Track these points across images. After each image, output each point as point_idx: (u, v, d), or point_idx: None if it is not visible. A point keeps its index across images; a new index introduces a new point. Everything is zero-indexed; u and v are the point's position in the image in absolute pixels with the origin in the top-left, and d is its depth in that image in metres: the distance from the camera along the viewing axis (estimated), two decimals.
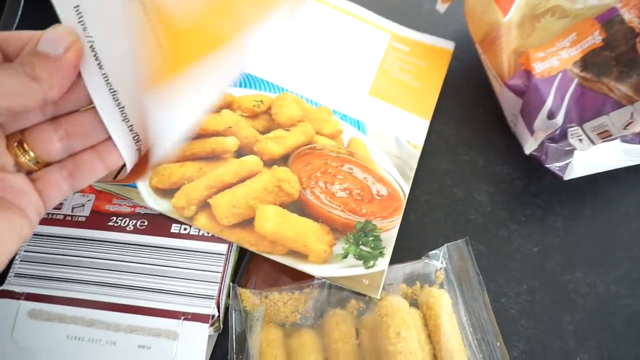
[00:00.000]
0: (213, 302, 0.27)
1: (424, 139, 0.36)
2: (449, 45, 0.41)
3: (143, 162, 0.25)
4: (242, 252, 0.32)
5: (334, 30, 0.40)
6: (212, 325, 0.27)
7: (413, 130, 0.37)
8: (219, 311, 0.28)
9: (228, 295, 0.30)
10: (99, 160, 0.23)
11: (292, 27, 0.40)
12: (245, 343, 0.29)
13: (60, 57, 0.20)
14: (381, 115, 0.37)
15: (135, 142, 0.24)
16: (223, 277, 0.29)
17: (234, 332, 0.29)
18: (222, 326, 0.29)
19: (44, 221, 0.30)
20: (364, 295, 0.30)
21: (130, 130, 0.23)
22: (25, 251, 0.29)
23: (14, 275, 0.29)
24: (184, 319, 0.27)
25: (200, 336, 0.26)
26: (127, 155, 0.23)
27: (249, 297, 0.30)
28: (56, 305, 0.27)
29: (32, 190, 0.22)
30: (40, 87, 0.20)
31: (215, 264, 0.29)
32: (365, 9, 0.42)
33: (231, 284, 0.30)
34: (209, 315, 0.27)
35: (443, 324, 0.29)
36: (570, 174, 0.31)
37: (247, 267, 0.32)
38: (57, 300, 0.28)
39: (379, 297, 0.30)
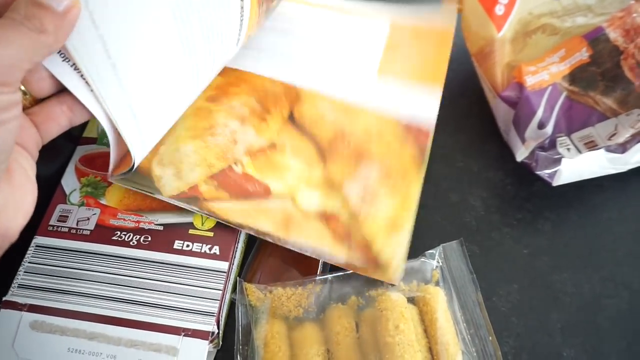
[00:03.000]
0: (213, 320, 0.28)
1: (436, 111, 0.36)
2: (450, 23, 0.41)
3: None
4: (248, 249, 0.34)
5: (333, 27, 0.41)
6: (211, 342, 0.28)
7: (425, 107, 0.36)
8: (218, 328, 0.29)
9: (234, 291, 0.31)
10: None
11: (293, 29, 0.40)
12: (250, 335, 0.30)
13: (64, 13, 0.20)
14: (392, 97, 0.37)
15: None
16: (223, 295, 0.29)
17: (239, 324, 0.30)
18: (221, 342, 0.30)
19: (50, 233, 0.31)
20: (364, 292, 0.32)
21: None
22: (29, 262, 0.30)
23: (17, 286, 0.29)
24: (184, 335, 0.28)
25: (200, 352, 0.27)
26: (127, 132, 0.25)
27: (254, 291, 0.31)
28: (58, 317, 0.28)
29: (30, 124, 0.23)
30: (48, 41, 0.20)
31: (216, 282, 0.29)
32: (358, 1, 0.42)
33: (237, 278, 0.31)
34: (208, 332, 0.28)
35: (439, 319, 0.30)
36: (558, 181, 0.33)
37: (253, 262, 0.33)
38: (60, 312, 0.28)
39: (397, 284, 0.31)
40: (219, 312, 0.29)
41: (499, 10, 0.38)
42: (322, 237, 0.31)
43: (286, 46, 0.39)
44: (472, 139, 0.40)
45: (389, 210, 0.32)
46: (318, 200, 0.32)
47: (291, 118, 0.35)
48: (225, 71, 0.36)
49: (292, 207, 0.32)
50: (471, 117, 0.41)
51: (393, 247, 0.31)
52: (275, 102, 0.35)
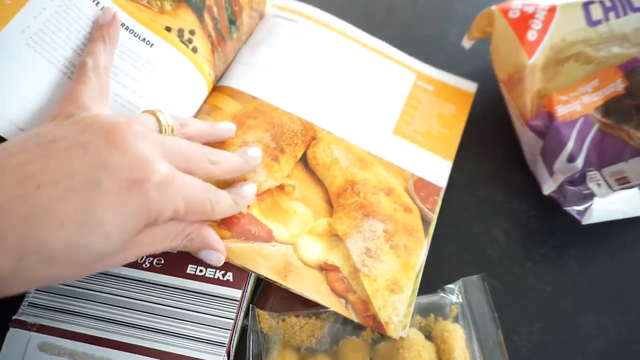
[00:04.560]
0: (224, 350, 0.27)
1: (446, 179, 0.36)
2: (471, 88, 0.42)
3: None
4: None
5: (360, 66, 0.40)
6: None
7: (436, 170, 0.36)
8: (228, 359, 0.28)
9: (246, 316, 0.30)
10: None
11: (318, 61, 0.39)
12: None
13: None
14: (405, 154, 0.37)
15: None
16: (235, 324, 0.28)
17: (250, 353, 0.29)
18: None
19: None
20: None
21: None
22: None
23: (28, 305, 0.28)
24: None
25: None
26: None
27: (266, 319, 0.30)
28: (67, 340, 0.27)
29: None
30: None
31: (229, 310, 0.29)
32: (391, 46, 0.42)
33: (250, 305, 0.31)
34: None
35: (456, 358, 0.29)
36: (588, 220, 0.32)
37: (265, 289, 0.32)
38: (69, 334, 0.27)
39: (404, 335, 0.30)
40: (230, 342, 0.28)
41: (532, 35, 0.37)
42: (320, 288, 0.30)
43: (313, 79, 0.38)
44: (497, 167, 0.39)
45: (390, 270, 0.31)
46: (320, 251, 0.31)
47: (303, 159, 0.34)
48: (245, 98, 0.36)
49: (292, 254, 0.31)
50: (496, 143, 0.39)
51: (392, 307, 0.30)
52: (290, 141, 0.34)
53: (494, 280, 0.34)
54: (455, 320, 0.31)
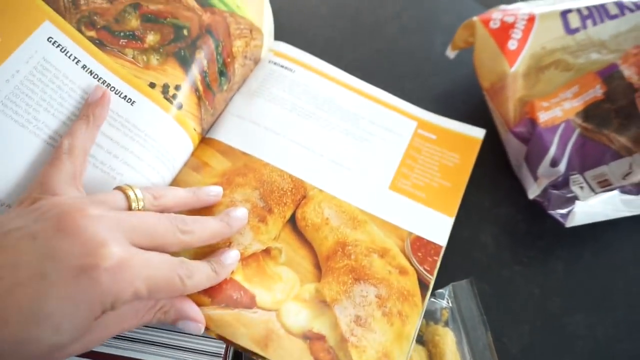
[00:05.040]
0: None
1: (447, 237, 0.34)
2: (479, 134, 0.39)
3: None
4: None
5: (357, 116, 0.38)
6: None
7: (436, 228, 0.34)
8: None
9: None
10: None
11: (313, 113, 0.38)
12: None
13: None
14: (402, 211, 0.34)
15: None
16: None
17: None
18: None
19: None
20: None
21: None
22: None
23: None
24: None
25: None
26: None
27: None
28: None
29: None
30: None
31: None
32: (391, 95, 0.40)
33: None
34: None
35: None
36: (571, 222, 0.33)
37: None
38: None
39: None
40: (226, 354, 0.28)
41: (512, 45, 0.38)
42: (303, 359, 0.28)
43: (307, 133, 0.37)
44: (484, 173, 0.39)
45: (382, 341, 0.29)
46: (305, 318, 0.29)
47: (292, 220, 0.33)
48: (235, 154, 0.35)
49: (275, 321, 0.28)
50: (483, 150, 0.40)
51: None
52: (279, 200, 0.33)
53: (483, 283, 0.35)
54: (446, 324, 0.32)
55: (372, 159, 0.37)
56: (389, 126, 0.39)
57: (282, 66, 0.40)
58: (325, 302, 0.30)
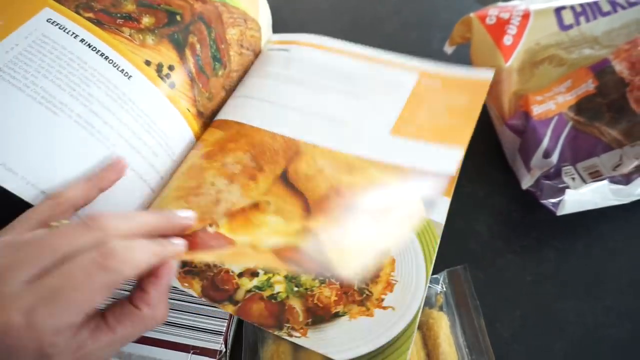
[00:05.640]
0: (221, 338, 0.29)
1: (445, 216, 0.34)
2: (487, 75, 0.38)
3: None
4: None
5: (352, 77, 0.39)
6: None
7: (442, 160, 0.33)
8: (226, 347, 0.30)
9: None
10: None
11: (308, 80, 0.38)
12: (257, 355, 0.31)
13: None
14: (406, 152, 0.34)
15: None
16: (232, 315, 0.30)
17: (247, 342, 0.31)
18: None
19: None
20: None
21: None
22: None
23: None
24: (193, 353, 0.29)
25: None
26: None
27: None
28: None
29: None
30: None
31: None
32: (389, 52, 0.40)
33: None
34: (217, 350, 0.29)
35: (441, 343, 0.31)
36: (562, 210, 0.34)
37: None
38: None
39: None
40: (227, 331, 0.30)
41: (507, 40, 0.39)
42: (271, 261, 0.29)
43: (301, 98, 0.37)
44: (479, 165, 0.41)
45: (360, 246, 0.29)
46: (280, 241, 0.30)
47: (283, 176, 0.33)
48: (227, 124, 0.36)
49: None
50: (478, 143, 0.41)
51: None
52: (271, 159, 0.34)
53: (477, 271, 0.36)
54: (440, 308, 0.33)
55: (371, 111, 0.36)
56: (388, 81, 0.38)
57: (278, 49, 0.41)
58: (307, 230, 0.30)
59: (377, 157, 0.34)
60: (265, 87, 0.38)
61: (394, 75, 0.39)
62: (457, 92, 0.37)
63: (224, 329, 0.29)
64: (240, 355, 0.31)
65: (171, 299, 0.30)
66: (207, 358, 0.28)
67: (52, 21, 0.31)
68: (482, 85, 0.37)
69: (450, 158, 0.33)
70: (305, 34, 0.42)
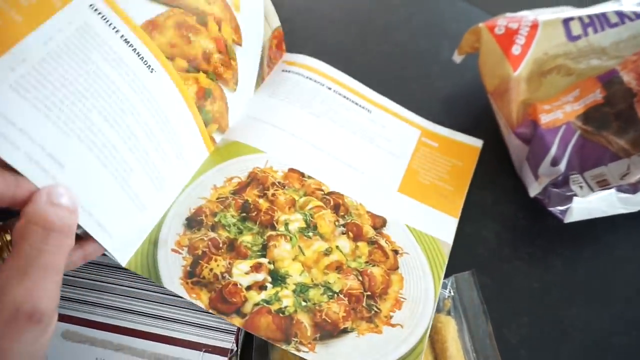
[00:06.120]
0: (232, 337, 0.30)
1: (453, 236, 0.36)
2: (477, 143, 0.42)
3: None
4: None
5: (366, 123, 0.41)
6: (230, 359, 0.29)
7: (442, 227, 0.36)
8: (237, 346, 0.30)
9: None
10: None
11: (322, 113, 0.40)
12: (268, 355, 0.31)
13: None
14: (410, 212, 0.37)
15: None
16: None
17: (257, 341, 0.32)
18: None
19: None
20: None
21: None
22: (66, 275, 0.31)
23: None
24: (205, 351, 0.29)
25: None
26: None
27: None
28: (88, 328, 0.29)
29: None
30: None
31: None
32: (396, 104, 0.43)
33: None
34: (228, 349, 0.29)
35: (449, 348, 0.31)
36: (569, 218, 0.34)
37: None
38: (89, 323, 0.30)
39: None
40: (239, 330, 0.30)
41: (516, 50, 0.39)
42: None
43: (319, 135, 0.39)
44: (487, 172, 0.41)
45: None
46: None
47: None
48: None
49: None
50: (486, 150, 0.42)
51: None
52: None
53: (484, 277, 0.36)
54: (448, 313, 0.33)
55: (382, 163, 0.39)
56: (396, 133, 0.41)
57: (295, 73, 0.42)
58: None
59: (386, 214, 0.36)
60: (286, 114, 0.39)
61: (401, 128, 0.42)
62: (452, 155, 0.41)
63: (235, 328, 0.30)
64: (250, 354, 0.31)
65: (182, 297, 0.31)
66: (218, 356, 0.29)
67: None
68: (473, 151, 0.42)
69: (448, 227, 0.36)
70: (321, 62, 0.43)
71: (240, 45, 0.39)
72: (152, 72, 0.31)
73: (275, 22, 0.43)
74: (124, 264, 0.29)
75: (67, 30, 0.27)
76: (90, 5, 0.28)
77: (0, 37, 0.24)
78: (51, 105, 0.26)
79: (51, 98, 0.26)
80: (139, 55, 0.31)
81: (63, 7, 0.27)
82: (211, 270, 0.31)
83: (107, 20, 0.29)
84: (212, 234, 0.32)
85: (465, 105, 0.45)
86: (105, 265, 0.32)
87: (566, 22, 0.40)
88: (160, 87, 0.31)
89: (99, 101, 0.28)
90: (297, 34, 0.48)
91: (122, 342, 0.29)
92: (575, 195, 0.35)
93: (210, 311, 0.29)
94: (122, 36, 0.30)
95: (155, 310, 0.30)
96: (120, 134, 0.29)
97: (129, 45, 0.30)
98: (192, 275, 0.30)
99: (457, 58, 0.45)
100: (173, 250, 0.31)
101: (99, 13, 0.29)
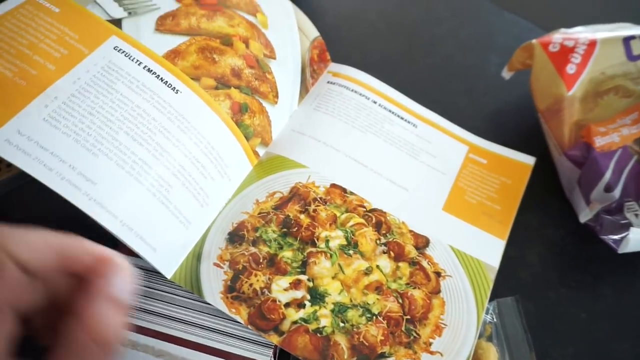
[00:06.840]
0: (270, 351, 0.30)
1: (499, 259, 0.35)
2: (529, 160, 0.40)
3: None
4: None
5: (412, 139, 0.40)
6: None
7: (488, 249, 0.35)
8: (275, 359, 0.30)
9: None
10: None
11: (366, 127, 0.39)
12: None
13: None
14: (455, 232, 0.35)
15: None
16: None
17: (294, 357, 0.32)
18: None
19: (127, 252, 0.31)
20: None
21: None
22: None
23: None
24: None
25: None
26: None
27: None
28: (131, 332, 0.30)
29: None
30: None
31: None
32: (443, 119, 0.42)
33: None
34: None
35: None
36: (625, 248, 0.32)
37: None
38: (133, 328, 0.30)
39: None
40: (276, 345, 0.30)
41: (571, 69, 0.38)
42: None
43: (363, 150, 0.38)
44: (534, 193, 0.40)
45: None
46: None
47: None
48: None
49: None
50: (534, 170, 0.41)
51: None
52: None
53: (528, 303, 0.35)
54: (489, 339, 0.32)
55: (427, 180, 0.38)
56: (442, 148, 0.40)
57: (340, 85, 0.42)
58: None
59: (431, 234, 0.35)
60: (330, 127, 0.39)
61: (448, 143, 0.40)
62: (501, 173, 0.39)
63: (273, 342, 0.30)
64: None
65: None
66: None
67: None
68: (524, 169, 0.40)
69: (494, 249, 0.35)
70: (366, 75, 0.42)
71: (274, 58, 0.39)
72: (177, 93, 0.33)
73: (313, 32, 0.43)
74: (169, 277, 0.30)
75: (94, 69, 0.31)
76: (115, 47, 0.32)
77: (36, 82, 0.29)
78: (79, 131, 0.29)
79: (79, 125, 0.29)
80: (162, 80, 0.33)
81: (91, 53, 0.31)
82: (251, 285, 0.31)
83: (130, 56, 0.33)
84: (252, 249, 0.32)
85: (513, 123, 0.44)
86: (147, 270, 0.32)
87: (627, 40, 0.38)
88: (188, 106, 0.33)
89: (124, 123, 0.31)
90: (343, 42, 0.48)
91: (162, 348, 0.30)
92: (630, 224, 0.34)
93: (249, 327, 0.29)
94: (145, 67, 0.33)
95: (197, 319, 0.31)
96: (150, 151, 0.31)
97: (152, 73, 0.33)
98: (233, 290, 0.31)
99: (507, 74, 0.43)
100: (215, 264, 0.31)
101: (123, 52, 0.32)
